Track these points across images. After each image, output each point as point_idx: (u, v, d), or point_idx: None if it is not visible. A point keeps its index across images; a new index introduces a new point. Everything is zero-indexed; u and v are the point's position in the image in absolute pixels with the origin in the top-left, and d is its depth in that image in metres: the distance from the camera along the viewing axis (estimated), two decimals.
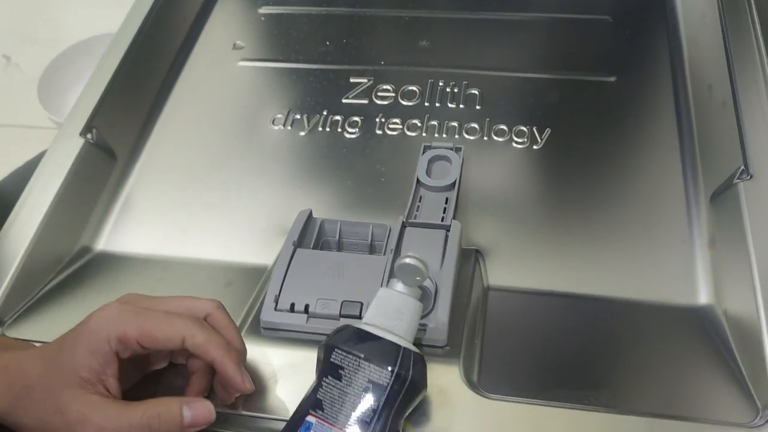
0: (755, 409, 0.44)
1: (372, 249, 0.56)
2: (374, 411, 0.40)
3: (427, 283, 0.50)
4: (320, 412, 0.40)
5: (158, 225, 0.62)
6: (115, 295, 0.45)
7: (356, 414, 0.40)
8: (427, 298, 0.49)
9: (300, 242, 0.54)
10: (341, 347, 0.42)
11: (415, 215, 0.57)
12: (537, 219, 0.58)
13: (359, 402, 0.40)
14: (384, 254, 0.53)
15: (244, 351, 0.45)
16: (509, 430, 0.43)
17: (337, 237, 0.56)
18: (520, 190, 0.60)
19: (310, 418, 0.40)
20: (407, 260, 0.47)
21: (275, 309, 0.50)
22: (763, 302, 0.47)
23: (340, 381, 0.41)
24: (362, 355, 0.42)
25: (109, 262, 0.59)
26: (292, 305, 0.50)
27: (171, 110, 0.71)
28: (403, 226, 0.54)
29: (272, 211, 0.61)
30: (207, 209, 0.62)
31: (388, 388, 0.41)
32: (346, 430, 0.39)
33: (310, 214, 0.56)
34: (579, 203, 0.59)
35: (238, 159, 0.66)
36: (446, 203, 0.58)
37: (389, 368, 0.41)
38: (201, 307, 0.45)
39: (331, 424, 0.40)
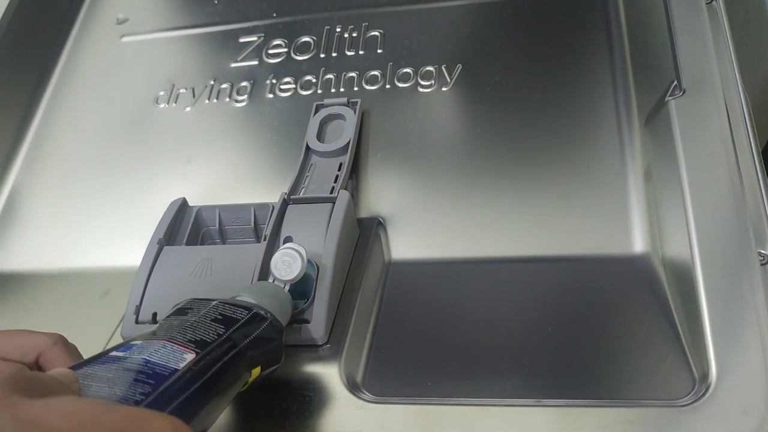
0: (692, 381, 0.36)
1: (258, 234, 0.48)
2: (219, 335, 0.33)
3: (308, 269, 0.43)
4: (150, 336, 0.33)
5: (37, 235, 0.55)
6: None
7: (197, 333, 0.33)
8: (305, 287, 0.42)
9: (170, 238, 0.47)
10: (193, 299, 0.37)
11: (302, 189, 0.49)
12: (449, 175, 0.50)
13: (204, 326, 0.34)
14: (264, 240, 0.45)
15: None
16: None
17: (218, 226, 0.49)
18: (428, 143, 0.52)
19: (134, 342, 0.32)
20: (281, 252, 0.41)
21: (136, 322, 0.43)
22: (697, 243, 0.38)
23: (185, 315, 0.35)
24: (217, 300, 0.37)
25: None
26: (155, 315, 0.43)
27: (53, 102, 0.63)
28: (285, 203, 0.47)
29: (156, 202, 0.53)
30: (89, 210, 0.55)
31: (242, 321, 0.35)
32: (183, 344, 0.32)
33: (183, 203, 0.49)
34: (497, 151, 0.50)
35: (122, 150, 0.58)
36: (339, 170, 0.50)
37: (246, 309, 0.36)
38: (33, 345, 0.38)
39: (159, 339, 0.32)
